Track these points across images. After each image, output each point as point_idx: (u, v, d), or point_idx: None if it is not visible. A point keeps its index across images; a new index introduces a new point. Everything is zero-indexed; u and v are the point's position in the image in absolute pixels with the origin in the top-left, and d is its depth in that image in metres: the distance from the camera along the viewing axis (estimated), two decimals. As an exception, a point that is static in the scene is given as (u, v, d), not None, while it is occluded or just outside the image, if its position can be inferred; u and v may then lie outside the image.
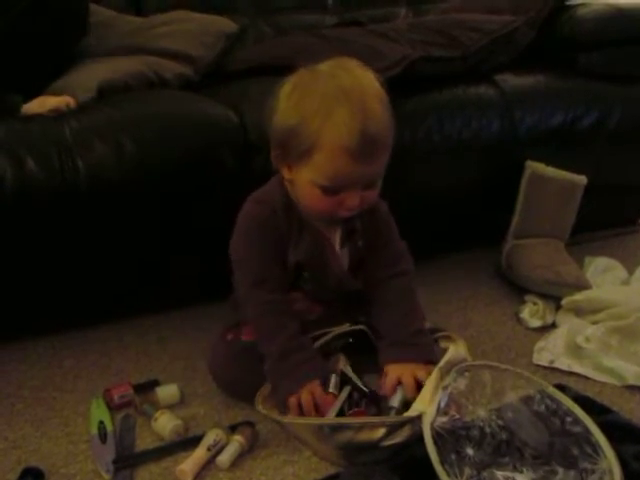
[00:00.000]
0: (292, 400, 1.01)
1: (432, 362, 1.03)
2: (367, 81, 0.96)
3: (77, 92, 1.34)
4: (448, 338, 1.14)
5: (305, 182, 0.98)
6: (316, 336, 1.12)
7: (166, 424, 1.06)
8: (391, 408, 1.00)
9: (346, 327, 1.14)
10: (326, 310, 1.16)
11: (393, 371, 1.03)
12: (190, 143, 1.25)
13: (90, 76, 1.39)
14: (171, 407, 1.12)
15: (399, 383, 1.02)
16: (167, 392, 1.15)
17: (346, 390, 1.07)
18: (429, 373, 1.00)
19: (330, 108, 0.91)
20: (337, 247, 1.10)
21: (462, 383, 1.00)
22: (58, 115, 1.26)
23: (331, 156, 0.93)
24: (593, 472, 0.89)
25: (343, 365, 1.09)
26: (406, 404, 0.99)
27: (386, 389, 1.03)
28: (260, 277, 1.05)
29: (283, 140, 0.97)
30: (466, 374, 1.01)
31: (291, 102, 0.96)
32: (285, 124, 0.96)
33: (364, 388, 1.06)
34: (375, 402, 1.05)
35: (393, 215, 1.22)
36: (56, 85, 1.39)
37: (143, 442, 1.06)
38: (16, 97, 1.29)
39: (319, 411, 1.03)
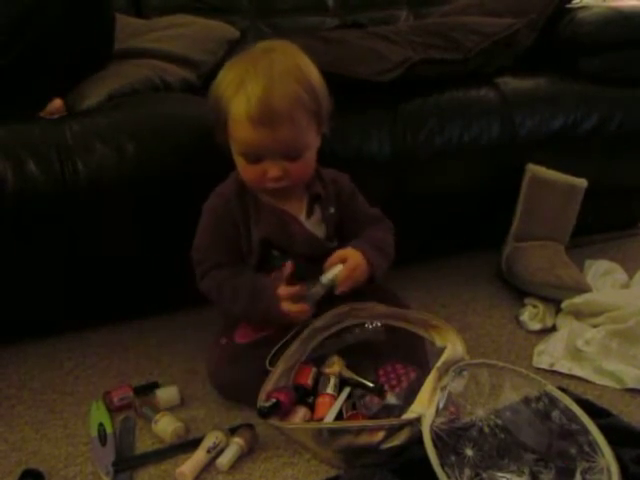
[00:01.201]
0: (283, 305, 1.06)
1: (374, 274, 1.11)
2: (286, 61, 1.03)
3: (88, 99, 1.35)
4: (440, 333, 1.12)
5: (234, 152, 1.08)
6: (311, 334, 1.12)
7: (167, 426, 1.06)
8: (318, 284, 1.06)
9: (337, 310, 1.13)
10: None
11: (343, 249, 1.10)
12: (190, 145, 1.25)
13: (101, 84, 1.40)
14: (171, 409, 1.12)
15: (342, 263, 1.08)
16: (167, 394, 1.15)
17: (345, 392, 1.07)
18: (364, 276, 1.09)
19: (241, 81, 1.01)
20: (302, 217, 1.14)
21: (460, 383, 1.00)
22: (61, 117, 1.27)
23: (236, 124, 1.02)
24: (591, 470, 0.89)
25: (340, 367, 1.09)
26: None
27: (330, 260, 1.08)
28: (217, 262, 1.13)
29: (213, 112, 1.07)
30: (464, 373, 1.01)
31: (217, 78, 1.07)
32: (211, 97, 1.06)
33: (368, 383, 1.07)
34: (381, 395, 1.05)
35: (393, 217, 1.23)
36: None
37: (143, 444, 1.06)
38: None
39: (317, 412, 1.04)
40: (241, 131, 1.02)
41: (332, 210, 1.17)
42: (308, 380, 1.08)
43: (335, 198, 1.17)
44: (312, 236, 1.15)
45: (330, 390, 1.06)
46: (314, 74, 1.05)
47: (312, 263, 1.14)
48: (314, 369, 1.10)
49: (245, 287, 1.10)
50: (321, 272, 1.08)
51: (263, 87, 0.99)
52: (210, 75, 1.61)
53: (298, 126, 1.03)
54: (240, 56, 1.07)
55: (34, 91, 1.33)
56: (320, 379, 1.09)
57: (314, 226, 1.15)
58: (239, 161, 1.07)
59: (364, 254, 1.10)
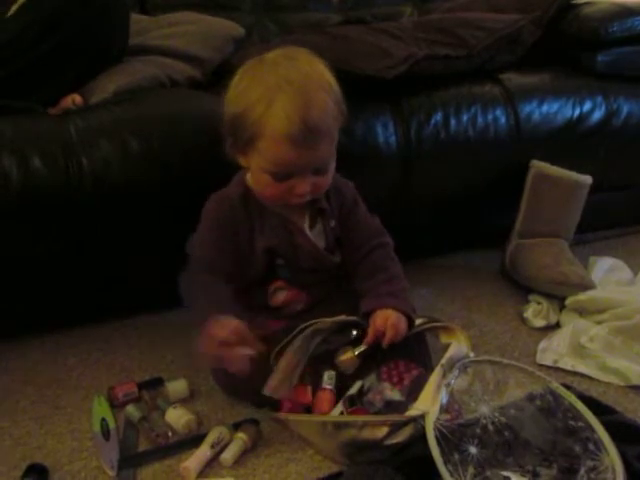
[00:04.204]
0: (209, 329, 0.94)
1: (412, 319, 1.08)
2: (311, 70, 0.99)
3: (94, 96, 1.35)
4: (446, 329, 1.12)
5: (256, 168, 1.03)
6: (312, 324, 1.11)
7: (180, 417, 1.07)
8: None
9: (342, 317, 1.12)
10: (311, 297, 1.17)
11: (381, 315, 1.06)
12: (195, 141, 1.25)
13: (108, 80, 1.40)
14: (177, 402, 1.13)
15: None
16: (177, 387, 1.16)
17: (357, 386, 1.07)
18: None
19: (272, 96, 0.95)
20: (306, 229, 1.12)
21: (465, 380, 1.00)
22: (65, 113, 1.27)
23: (273, 143, 0.96)
24: (596, 469, 0.89)
25: (353, 352, 1.08)
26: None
27: (376, 327, 1.05)
28: (210, 267, 1.07)
29: (231, 128, 1.01)
30: (468, 370, 1.01)
31: (237, 91, 1.00)
32: (231, 112, 1.00)
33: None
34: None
35: (397, 213, 1.23)
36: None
37: (146, 439, 1.06)
38: (37, 106, 1.31)
39: (316, 407, 1.04)
40: (278, 151, 0.96)
41: (333, 224, 1.14)
42: (307, 397, 1.06)
43: (337, 210, 1.14)
44: (317, 249, 1.13)
45: (326, 385, 1.05)
46: (333, 79, 1.00)
47: (314, 274, 1.15)
48: (309, 387, 1.08)
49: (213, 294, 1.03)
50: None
51: (302, 104, 0.94)
52: (215, 72, 1.62)
53: (334, 140, 1.01)
54: (257, 64, 1.01)
55: (49, 87, 1.34)
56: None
57: (316, 237, 1.13)
58: (264, 178, 1.01)
59: (394, 309, 1.07)
